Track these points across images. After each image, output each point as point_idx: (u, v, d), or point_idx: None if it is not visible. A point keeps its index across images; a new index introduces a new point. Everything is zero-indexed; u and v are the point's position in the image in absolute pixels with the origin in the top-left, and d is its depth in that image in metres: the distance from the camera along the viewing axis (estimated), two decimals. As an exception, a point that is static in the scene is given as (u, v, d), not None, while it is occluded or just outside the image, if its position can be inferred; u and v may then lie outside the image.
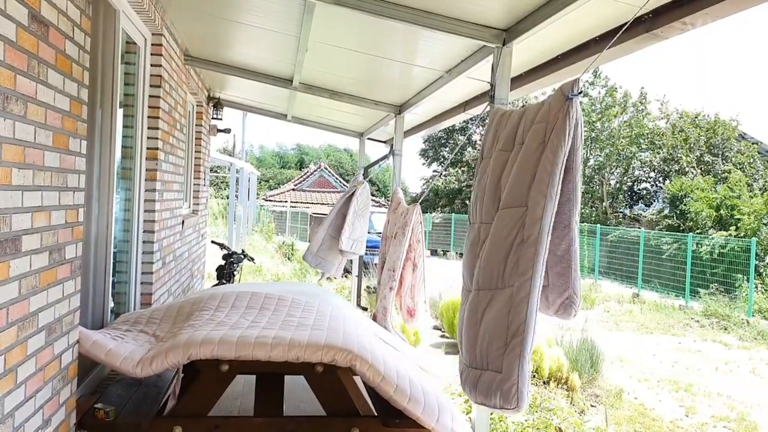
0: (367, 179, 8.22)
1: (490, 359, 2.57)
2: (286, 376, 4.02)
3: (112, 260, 4.38)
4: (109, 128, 4.21)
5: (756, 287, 16.96)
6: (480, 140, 37.58)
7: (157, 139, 5.17)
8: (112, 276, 4.49)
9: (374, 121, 7.80)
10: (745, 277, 17.07)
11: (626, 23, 3.04)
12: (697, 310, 16.12)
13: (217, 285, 8.05)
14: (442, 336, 10.67)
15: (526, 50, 3.95)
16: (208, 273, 10.00)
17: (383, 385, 3.36)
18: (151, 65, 5.15)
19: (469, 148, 37.38)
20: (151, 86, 5.15)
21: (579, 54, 3.72)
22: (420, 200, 5.55)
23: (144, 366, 3.32)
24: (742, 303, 16.34)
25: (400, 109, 6.51)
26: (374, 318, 5.35)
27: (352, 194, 7.06)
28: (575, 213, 2.67)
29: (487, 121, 3.44)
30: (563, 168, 2.52)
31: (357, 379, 3.71)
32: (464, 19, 3.67)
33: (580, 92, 2.52)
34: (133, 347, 3.51)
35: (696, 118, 27.09)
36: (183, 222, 6.57)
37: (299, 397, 4.61)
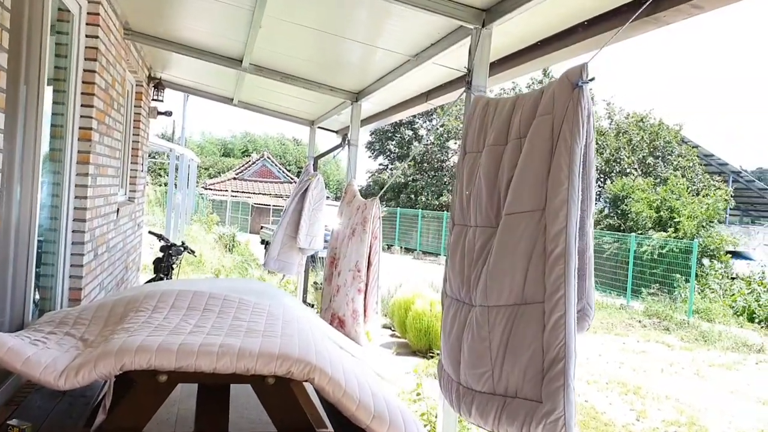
0: (318, 171, 7.86)
1: (521, 386, 2.28)
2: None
3: (35, 251, 3.91)
4: (35, 103, 3.73)
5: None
6: (426, 134, 37.56)
7: (91, 118, 4.70)
8: (36, 268, 4.03)
9: (328, 109, 7.40)
10: (684, 278, 17.39)
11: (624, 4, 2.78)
12: (638, 309, 16.30)
13: (153, 279, 7.59)
14: (393, 335, 10.39)
15: (503, 35, 3.63)
16: (143, 264, 9.45)
17: (344, 400, 3.00)
18: (87, 36, 4.67)
19: (415, 143, 37.29)
20: (86, 59, 4.68)
21: (563, 40, 3.43)
22: (380, 195, 5.22)
23: (68, 377, 2.88)
24: (681, 303, 16.62)
25: (357, 96, 6.15)
26: (340, 322, 4.97)
27: (306, 189, 6.69)
28: (590, 214, 2.37)
29: (463, 110, 3.12)
30: (581, 167, 2.22)
31: (308, 386, 3.37)
32: (441, -6, 3.33)
33: (592, 79, 2.21)
34: (57, 354, 3.06)
35: (641, 120, 27.55)
36: (118, 210, 6.09)
37: (243, 404, 4.23)
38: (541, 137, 2.37)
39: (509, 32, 3.61)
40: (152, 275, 7.89)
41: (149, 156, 12.10)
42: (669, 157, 27.11)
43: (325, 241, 7.59)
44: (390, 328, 10.60)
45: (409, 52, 4.48)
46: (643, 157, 27.17)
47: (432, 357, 8.92)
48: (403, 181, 35.69)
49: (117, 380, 3.33)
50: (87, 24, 4.66)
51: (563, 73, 2.34)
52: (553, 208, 2.26)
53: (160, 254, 7.78)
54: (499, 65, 4.02)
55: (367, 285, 4.79)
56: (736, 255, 22.39)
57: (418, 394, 5.87)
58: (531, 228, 2.34)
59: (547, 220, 2.29)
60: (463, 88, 3.43)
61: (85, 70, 4.66)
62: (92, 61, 4.70)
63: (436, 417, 5.64)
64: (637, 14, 2.54)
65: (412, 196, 35.54)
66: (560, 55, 3.51)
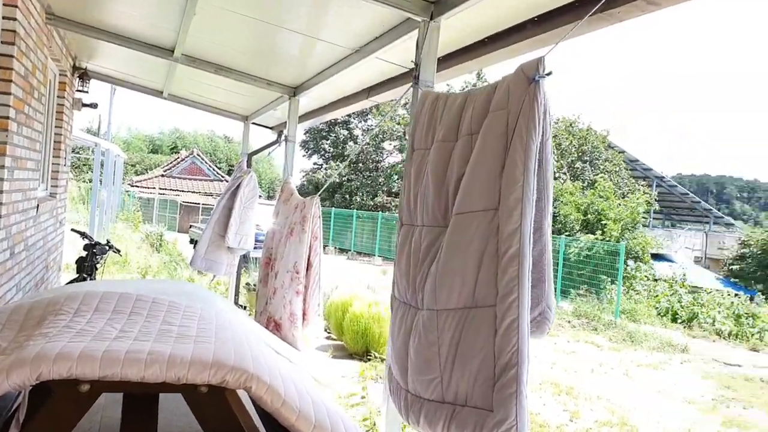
0: (252, 168, 7.63)
1: (472, 394, 2.16)
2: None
3: (-58, 249, 3.59)
4: (-56, 87, 3.42)
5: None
6: (362, 134, 37.38)
7: (8, 106, 4.38)
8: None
9: (263, 104, 7.16)
10: (610, 279, 17.85)
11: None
12: (567, 310, 16.59)
13: (76, 279, 7.21)
14: (328, 338, 10.21)
15: (449, 30, 3.52)
16: (65, 263, 8.98)
17: (284, 410, 2.82)
18: (4, 18, 4.34)
19: (350, 143, 37.15)
20: (2, 43, 4.34)
21: (511, 37, 3.35)
22: (320, 193, 5.05)
23: (-24, 388, 2.61)
24: (608, 304, 17.03)
25: (295, 91, 5.94)
26: (276, 326, 4.76)
27: (238, 186, 6.44)
28: (547, 214, 2.27)
29: (408, 107, 3.00)
30: (536, 164, 2.12)
31: (242, 394, 3.18)
32: (387, -15, 3.20)
33: (549, 73, 2.11)
34: (-36, 362, 2.78)
35: (570, 125, 28.22)
36: (38, 206, 5.72)
37: (172, 410, 3.98)
38: (495, 133, 2.26)
39: (456, 27, 3.50)
40: (75, 275, 7.51)
41: (73, 151, 11.57)
42: (596, 161, 27.85)
43: (258, 241, 7.37)
44: (326, 331, 10.41)
45: (352, 46, 4.33)
46: (572, 161, 27.82)
47: (369, 360, 8.78)
48: (338, 181, 35.51)
49: (33, 390, 3.07)
50: (4, 5, 4.34)
51: (518, 67, 2.23)
52: (507, 207, 2.15)
53: (84, 253, 7.40)
54: (444, 62, 3.91)
55: (306, 287, 4.61)
56: (659, 257, 23.20)
57: (363, 397, 5.73)
58: (483, 228, 2.23)
59: (500, 219, 2.18)
60: (409, 84, 3.31)
61: (1, 55, 4.34)
62: (10, 45, 4.37)
63: (374, 424, 5.52)
64: (593, 11, 2.47)
65: (347, 196, 35.42)
66: (508, 53, 3.43)
